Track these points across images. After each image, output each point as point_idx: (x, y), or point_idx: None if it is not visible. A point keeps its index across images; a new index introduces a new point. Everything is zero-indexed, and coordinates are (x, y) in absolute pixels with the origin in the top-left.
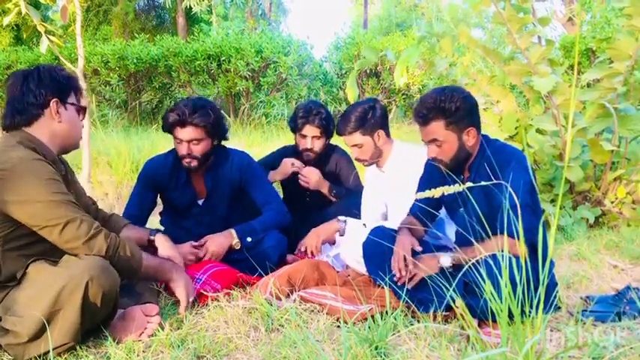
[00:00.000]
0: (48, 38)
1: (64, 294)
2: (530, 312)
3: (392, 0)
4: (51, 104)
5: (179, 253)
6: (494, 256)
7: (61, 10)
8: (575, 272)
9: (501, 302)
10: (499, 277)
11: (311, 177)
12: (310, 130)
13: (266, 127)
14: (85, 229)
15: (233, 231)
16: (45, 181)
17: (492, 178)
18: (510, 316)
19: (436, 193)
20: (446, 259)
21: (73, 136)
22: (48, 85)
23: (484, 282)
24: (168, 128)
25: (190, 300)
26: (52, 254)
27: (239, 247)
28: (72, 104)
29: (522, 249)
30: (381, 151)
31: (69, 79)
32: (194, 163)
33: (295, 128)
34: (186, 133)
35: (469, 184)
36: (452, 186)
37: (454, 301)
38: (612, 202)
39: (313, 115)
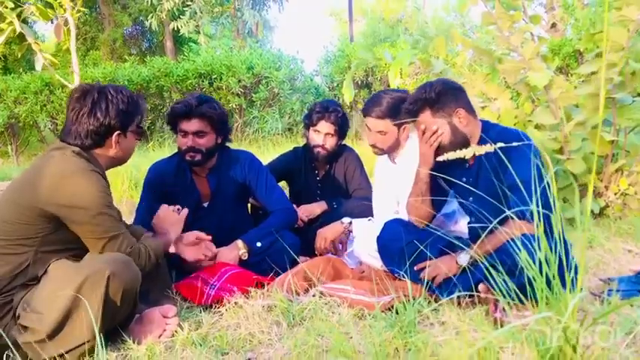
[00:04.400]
0: (43, 57)
1: (86, 287)
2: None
3: (376, 16)
4: (113, 136)
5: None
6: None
7: (55, 27)
8: (590, 257)
9: (538, 274)
10: (532, 252)
11: (305, 212)
12: (324, 127)
13: (261, 142)
14: (124, 248)
15: (239, 242)
16: (100, 192)
17: (499, 161)
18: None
19: (463, 154)
20: (464, 258)
21: (125, 158)
22: (114, 117)
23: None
24: (174, 121)
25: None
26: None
27: (246, 257)
28: (132, 132)
29: (541, 225)
30: (399, 143)
31: (136, 106)
32: (197, 157)
33: (310, 124)
34: (192, 124)
35: (488, 147)
36: (477, 147)
37: (481, 281)
38: (615, 194)
39: (329, 112)
